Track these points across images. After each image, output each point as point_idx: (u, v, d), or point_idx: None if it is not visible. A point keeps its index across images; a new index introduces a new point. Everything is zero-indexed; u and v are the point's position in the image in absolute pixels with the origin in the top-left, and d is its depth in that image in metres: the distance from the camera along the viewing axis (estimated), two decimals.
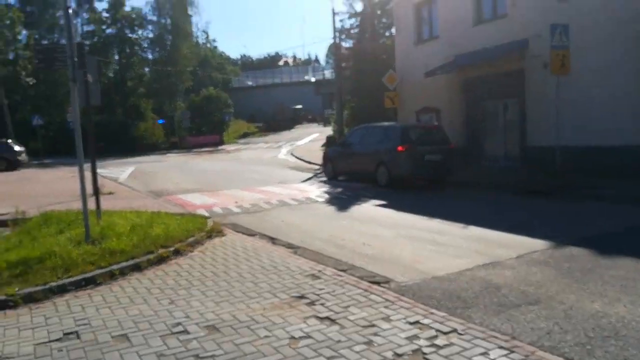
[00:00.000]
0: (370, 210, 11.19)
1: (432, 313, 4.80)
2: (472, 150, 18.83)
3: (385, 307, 4.99)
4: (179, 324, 4.75)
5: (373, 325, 4.54)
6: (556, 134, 13.66)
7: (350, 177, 16.20)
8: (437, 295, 5.33)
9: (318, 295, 5.38)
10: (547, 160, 14.51)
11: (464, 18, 18.19)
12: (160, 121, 47.80)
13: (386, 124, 15.94)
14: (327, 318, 4.75)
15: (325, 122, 54.01)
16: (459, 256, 6.86)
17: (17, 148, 28.14)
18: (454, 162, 14.35)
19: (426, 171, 13.77)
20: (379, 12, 26.76)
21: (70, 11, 7.39)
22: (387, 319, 4.69)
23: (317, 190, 14.50)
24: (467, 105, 19.03)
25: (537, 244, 7.25)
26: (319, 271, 6.24)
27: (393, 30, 24.49)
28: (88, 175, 8.70)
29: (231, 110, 51.82)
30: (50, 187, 16.94)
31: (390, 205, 11.63)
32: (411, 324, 4.56)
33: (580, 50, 13.81)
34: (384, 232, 8.66)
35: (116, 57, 51.11)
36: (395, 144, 13.83)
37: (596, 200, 10.85)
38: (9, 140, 29.34)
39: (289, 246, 7.74)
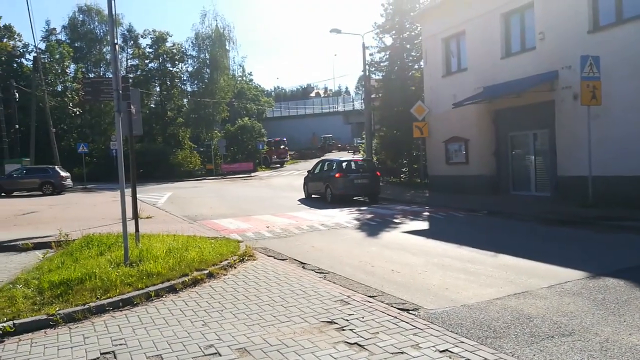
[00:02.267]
0: (399, 237, 11.10)
1: (462, 342, 4.67)
2: (501, 180, 18.55)
3: (415, 334, 4.88)
4: (211, 345, 4.76)
5: (402, 353, 4.44)
6: (589, 164, 13.34)
7: (315, 194, 20.37)
8: (467, 324, 5.19)
9: (347, 320, 5.32)
10: (579, 191, 14.15)
11: (492, 51, 18.16)
12: (196, 149, 49.15)
13: (332, 158, 22.27)
14: (356, 344, 4.68)
15: (355, 151, 54.23)
16: (489, 285, 6.70)
17: (62, 173, 29.12)
18: (379, 184, 19.31)
19: (356, 190, 18.66)
20: (408, 46, 26.91)
21: (117, 47, 7.72)
22: (416, 346, 4.58)
23: (347, 217, 14.50)
24: (496, 135, 18.82)
25: (569, 274, 7.01)
26: (348, 297, 6.18)
27: (422, 63, 24.59)
28: (128, 200, 8.92)
29: (265, 139, 52.65)
30: (92, 211, 17.42)
31: (419, 232, 11.51)
32: (441, 352, 4.45)
33: (611, 81, 13.56)
34: (414, 259, 8.55)
35: (157, 89, 52.88)
36: (335, 172, 18.78)
37: (630, 231, 10.46)
38: (56, 166, 30.39)
39: (319, 271, 7.70)
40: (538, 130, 17.01)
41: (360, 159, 21.81)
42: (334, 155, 53.33)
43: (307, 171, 22.45)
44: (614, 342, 4.60)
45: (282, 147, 53.24)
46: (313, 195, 20.57)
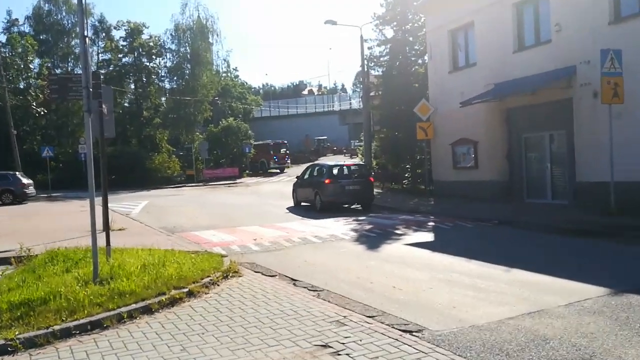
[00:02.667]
0: (401, 249, 11.11)
1: None
2: (514, 186, 18.63)
3: (418, 359, 4.87)
4: None
5: None
6: (611, 169, 13.41)
7: (304, 202, 20.68)
8: (476, 347, 5.19)
9: (343, 344, 5.30)
10: (600, 198, 14.21)
11: (503, 44, 18.30)
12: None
13: (323, 162, 22.78)
14: None
15: (352, 154, 54.32)
16: (501, 303, 6.71)
17: (24, 180, 28.86)
18: (372, 191, 19.92)
19: (348, 198, 19.08)
20: (410, 38, 27.04)
21: (87, 40, 7.71)
22: None
23: (343, 227, 14.53)
24: (508, 136, 18.93)
25: (590, 291, 7.03)
26: (345, 317, 6.17)
27: (426, 57, 24.72)
28: (99, 209, 8.88)
29: (252, 141, 52.65)
30: (58, 222, 17.32)
31: (423, 245, 11.54)
32: None
33: (635, 77, 13.66)
34: (417, 274, 8.57)
35: (132, 86, 52.75)
36: (325, 177, 19.13)
37: None
38: (17, 172, 30.12)
39: (312, 289, 7.70)
40: (554, 131, 17.12)
41: (352, 163, 22.23)
42: (330, 160, 53.46)
43: (296, 177, 22.72)
44: None
45: (282, 150, 52.04)
46: (303, 203, 20.91)
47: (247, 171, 50.03)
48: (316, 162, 23.18)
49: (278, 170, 51.39)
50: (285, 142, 53.32)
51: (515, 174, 18.68)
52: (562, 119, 16.33)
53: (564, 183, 16.80)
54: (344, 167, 20.40)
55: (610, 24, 14.67)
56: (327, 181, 18.93)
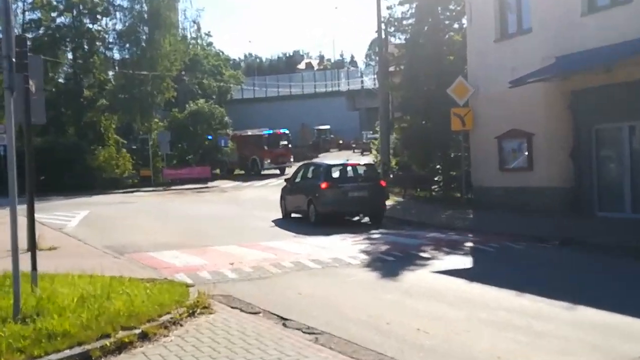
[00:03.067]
0: (428, 279, 11.09)
1: None
2: (581, 195, 18.57)
3: None
4: None
5: None
6: None
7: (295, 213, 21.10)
8: None
9: None
10: None
11: (569, 4, 18.26)
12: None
13: (318, 162, 22.98)
14: None
15: (364, 150, 54.22)
16: (563, 352, 6.68)
17: None
18: (384, 198, 20.41)
19: (351, 207, 19.47)
20: None
21: None
22: None
23: (350, 248, 14.48)
24: (573, 128, 18.89)
25: None
26: None
27: (464, 21, 24.69)
28: (22, 221, 8.84)
29: (229, 131, 52.52)
30: None
31: (458, 272, 11.49)
32: None
33: None
34: (450, 312, 8.54)
35: (69, 55, 52.62)
36: (321, 180, 19.34)
37: None
38: None
39: (308, 331, 7.66)
40: (636, 121, 17.09)
41: (357, 162, 22.46)
42: (333, 157, 53.40)
43: (285, 180, 22.99)
44: None
45: (282, 144, 51.30)
46: (294, 214, 21.17)
47: (220, 171, 49.55)
48: (311, 161, 23.68)
49: (278, 171, 49.73)
50: (287, 132, 52.85)
51: (583, 179, 18.62)
52: None
53: None
54: (347, 167, 20.74)
55: None
56: (323, 185, 19.10)
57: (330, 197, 18.97)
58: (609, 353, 6.60)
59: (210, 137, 49.64)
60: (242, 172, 51.43)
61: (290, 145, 52.44)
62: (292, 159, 50.88)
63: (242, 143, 51.28)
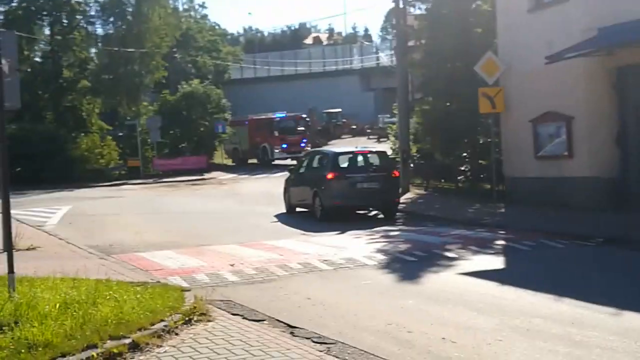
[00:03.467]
0: (455, 282, 11.07)
1: None
2: (629, 186, 18.51)
3: None
4: None
5: None
6: None
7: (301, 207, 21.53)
8: None
9: None
10: None
11: None
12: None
13: (325, 150, 24.36)
14: None
15: (380, 136, 54.04)
16: None
17: None
18: (397, 191, 20.99)
19: (360, 200, 19.88)
20: None
21: None
22: None
23: (365, 247, 14.50)
24: (619, 110, 18.80)
25: None
26: None
27: None
28: None
29: (227, 115, 52.45)
30: None
31: (488, 274, 11.47)
32: None
33: None
34: (480, 320, 8.54)
35: (47, 31, 52.69)
36: (327, 170, 19.83)
37: None
38: None
39: (319, 340, 7.67)
40: None
41: (368, 150, 22.55)
42: (345, 144, 53.16)
43: (289, 170, 23.38)
44: None
45: (299, 129, 50.21)
46: (298, 209, 21.46)
47: (233, 161, 49.57)
48: (317, 149, 25.38)
49: (290, 160, 45.99)
50: (304, 116, 52.66)
51: (631, 168, 18.54)
52: None
53: None
54: (356, 155, 21.00)
55: None
56: (330, 176, 19.45)
57: (337, 189, 19.31)
58: None
59: (220, 129, 49.21)
60: (256, 161, 50.10)
61: (307, 131, 51.36)
62: (308, 146, 48.09)
63: (254, 129, 50.29)
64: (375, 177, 19.66)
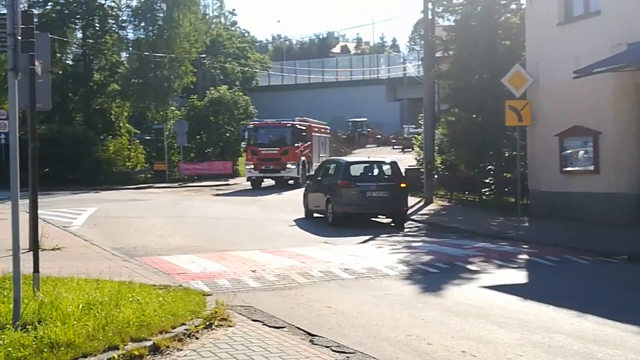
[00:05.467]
0: (477, 295, 11.02)
1: None
2: None
3: None
4: None
5: None
6: None
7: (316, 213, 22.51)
8: None
9: None
10: None
11: None
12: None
13: (339, 158, 25.38)
14: None
15: (405, 147, 53.99)
16: None
17: None
18: (406, 201, 21.42)
19: (369, 208, 20.70)
20: None
21: None
22: None
23: (387, 257, 14.49)
24: None
25: None
26: None
27: (523, 0, 24.51)
28: (24, 218, 8.97)
29: (254, 121, 52.62)
30: None
31: (510, 289, 11.41)
32: None
33: None
34: (501, 334, 8.48)
35: (79, 35, 53.19)
36: (339, 179, 20.76)
37: None
38: None
39: (339, 349, 7.66)
40: None
41: (380, 160, 23.60)
42: (372, 153, 53.07)
43: (308, 177, 24.39)
44: None
45: (283, 141, 38.85)
46: (315, 214, 22.49)
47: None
48: (332, 158, 26.91)
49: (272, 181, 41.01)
50: (298, 124, 40.44)
51: None
52: None
53: None
54: (368, 164, 22.24)
55: None
56: (341, 183, 20.46)
57: (348, 196, 20.24)
58: None
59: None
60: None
61: (298, 146, 38.80)
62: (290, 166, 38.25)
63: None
64: (385, 187, 20.61)
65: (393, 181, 21.02)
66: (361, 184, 20.66)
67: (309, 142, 40.54)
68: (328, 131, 46.98)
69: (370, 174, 21.59)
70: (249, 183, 39.40)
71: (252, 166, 38.17)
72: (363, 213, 20.69)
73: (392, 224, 20.88)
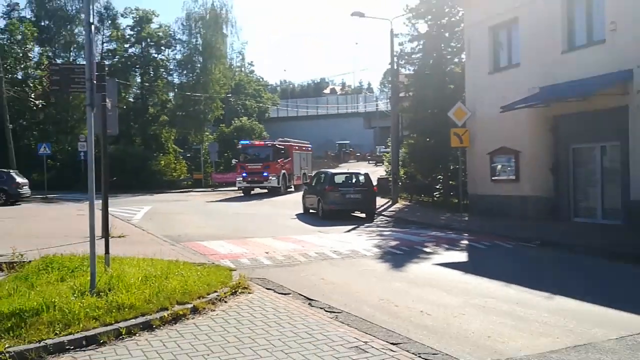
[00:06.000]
0: (431, 270, 11.08)
1: None
2: (560, 203, 18.39)
3: None
4: None
5: None
6: None
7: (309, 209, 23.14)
8: None
9: None
10: None
11: (551, 43, 18.12)
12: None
13: (326, 170, 25.90)
14: None
15: (377, 162, 54.20)
16: (542, 334, 6.63)
17: (19, 180, 29.23)
18: (375, 201, 22.10)
19: (348, 206, 21.44)
20: (446, 34, 26.84)
21: (93, 27, 7.82)
22: None
23: (365, 243, 14.54)
24: (554, 147, 18.72)
25: None
26: (366, 343, 6.16)
27: (463, 55, 24.57)
28: (98, 214, 8.99)
29: (243, 142, 52.81)
30: (54, 226, 17.57)
31: (455, 265, 11.46)
32: None
33: None
34: (448, 298, 8.51)
35: (138, 79, 53.50)
36: (326, 185, 21.53)
37: None
38: (11, 171, 30.36)
39: (329, 310, 7.69)
40: (607, 142, 16.88)
41: (356, 171, 24.13)
42: (352, 167, 53.24)
43: (305, 183, 25.22)
44: None
45: (266, 157, 35.73)
46: (311, 210, 23.13)
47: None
48: (322, 170, 27.31)
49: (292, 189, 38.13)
50: (278, 144, 37.41)
51: (562, 190, 18.44)
52: (616, 129, 16.08)
53: (617, 201, 16.51)
54: (348, 175, 23.11)
55: None
56: (328, 188, 21.31)
57: (333, 198, 21.09)
58: (581, 335, 6.53)
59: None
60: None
61: (278, 161, 35.67)
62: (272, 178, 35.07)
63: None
64: (360, 191, 21.49)
65: (366, 187, 21.80)
66: (342, 188, 21.51)
67: (289, 158, 37.97)
68: (310, 149, 43.43)
69: (349, 181, 22.33)
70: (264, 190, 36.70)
71: (241, 178, 35.91)
72: (344, 209, 21.31)
73: (366, 217, 21.40)
